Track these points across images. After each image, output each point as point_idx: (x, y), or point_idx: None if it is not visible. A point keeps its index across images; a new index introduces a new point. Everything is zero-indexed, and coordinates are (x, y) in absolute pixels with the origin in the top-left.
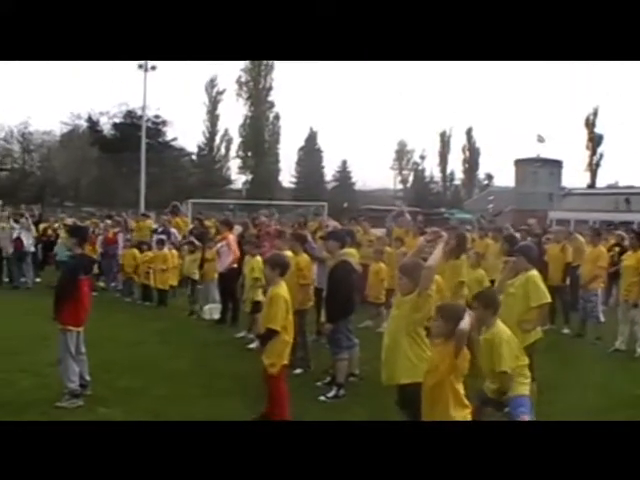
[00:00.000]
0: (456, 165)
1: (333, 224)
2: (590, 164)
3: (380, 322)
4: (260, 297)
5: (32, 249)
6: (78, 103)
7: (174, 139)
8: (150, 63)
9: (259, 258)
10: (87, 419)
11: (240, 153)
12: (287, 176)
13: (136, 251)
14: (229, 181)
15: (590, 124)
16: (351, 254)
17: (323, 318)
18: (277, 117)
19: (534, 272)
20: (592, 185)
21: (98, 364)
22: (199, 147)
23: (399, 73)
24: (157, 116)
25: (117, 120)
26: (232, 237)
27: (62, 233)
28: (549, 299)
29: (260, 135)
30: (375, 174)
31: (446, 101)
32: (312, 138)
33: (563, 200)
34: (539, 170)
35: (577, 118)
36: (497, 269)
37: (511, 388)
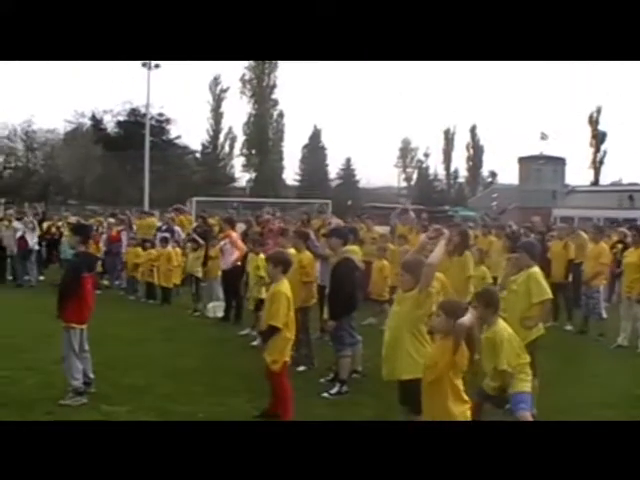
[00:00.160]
0: (460, 163)
1: (336, 221)
2: (594, 161)
3: (383, 319)
4: (264, 295)
5: (36, 247)
6: (82, 101)
7: (178, 137)
8: (154, 61)
9: (263, 256)
10: (91, 416)
11: (244, 151)
12: (291, 174)
13: (139, 249)
14: (233, 179)
15: (593, 122)
16: (354, 251)
17: (326, 315)
18: (281, 115)
19: (535, 269)
20: (596, 182)
21: (102, 362)
22: (203, 145)
23: (403, 71)
24: (161, 114)
25: (121, 118)
26: (235, 234)
27: (66, 231)
28: (550, 295)
29: (264, 133)
30: (379, 172)
31: (450, 99)
32: (316, 136)
33: (567, 197)
34: (543, 168)
35: (580, 116)
36: (500, 266)
37: (512, 385)
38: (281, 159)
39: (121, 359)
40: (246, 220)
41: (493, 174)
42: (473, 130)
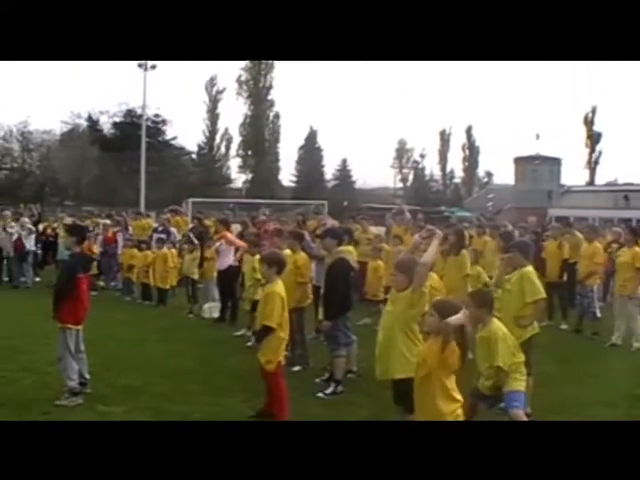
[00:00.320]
0: (456, 163)
1: (331, 222)
2: (589, 162)
3: (378, 319)
4: (259, 296)
5: (33, 249)
6: (78, 102)
7: (174, 138)
8: (150, 62)
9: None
10: (87, 417)
11: (240, 152)
12: (287, 175)
13: (135, 250)
14: (229, 180)
15: (589, 122)
16: (348, 251)
17: (321, 316)
18: (277, 116)
19: (529, 268)
20: (591, 182)
21: (98, 362)
22: (199, 146)
23: (399, 72)
24: (157, 115)
25: (117, 119)
26: (230, 235)
27: (62, 232)
28: (544, 294)
29: (260, 134)
30: (375, 172)
31: (446, 100)
32: (312, 137)
33: (562, 197)
34: (538, 168)
35: (576, 116)
36: (495, 266)
37: (506, 383)
38: (277, 160)
39: (117, 360)
40: (242, 221)
41: (489, 174)
42: (469, 131)
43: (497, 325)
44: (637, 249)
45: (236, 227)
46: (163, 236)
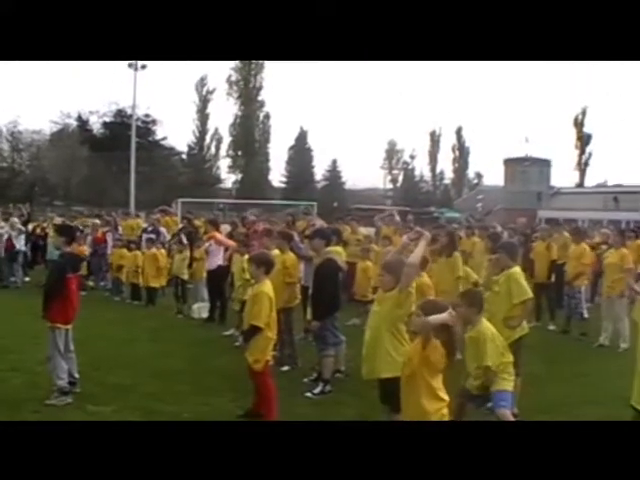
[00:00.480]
0: (446, 164)
1: (319, 223)
2: (579, 163)
3: (367, 320)
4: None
5: (23, 249)
6: (68, 102)
7: (164, 138)
8: (140, 62)
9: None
10: (77, 416)
11: (230, 152)
12: (277, 175)
13: (124, 250)
14: (219, 180)
15: (579, 124)
16: (337, 252)
17: (309, 316)
18: (267, 116)
19: (515, 269)
20: (581, 184)
21: (88, 362)
22: (189, 146)
23: (390, 73)
24: (147, 115)
25: (107, 119)
26: (219, 235)
27: (51, 232)
28: (531, 295)
29: (250, 134)
30: (365, 173)
31: (436, 101)
32: (302, 137)
33: (552, 199)
34: (528, 169)
35: (566, 117)
36: (483, 267)
37: (494, 383)
38: (267, 160)
39: (106, 359)
40: (231, 222)
41: (479, 176)
42: (459, 132)
43: (486, 325)
44: (625, 250)
45: (225, 227)
46: (153, 236)
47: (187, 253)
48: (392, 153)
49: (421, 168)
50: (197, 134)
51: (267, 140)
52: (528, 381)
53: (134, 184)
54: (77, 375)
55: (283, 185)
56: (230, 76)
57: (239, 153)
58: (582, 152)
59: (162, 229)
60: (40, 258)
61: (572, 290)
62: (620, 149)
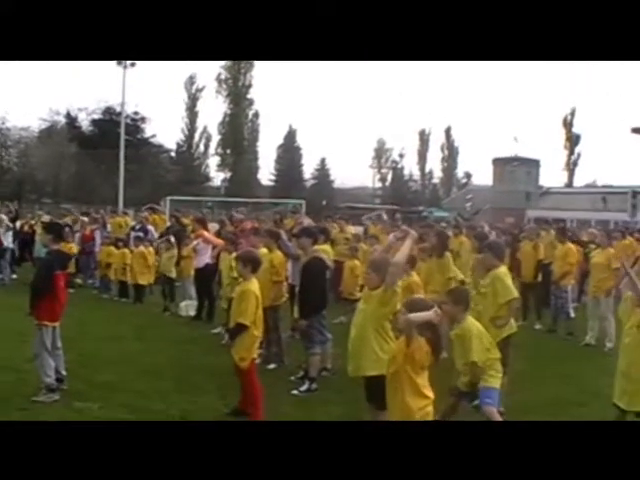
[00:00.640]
0: (435, 164)
1: (307, 221)
2: (568, 163)
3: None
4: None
5: (11, 246)
6: (56, 99)
7: (153, 136)
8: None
9: None
10: (64, 413)
11: (219, 150)
12: (266, 174)
13: (112, 248)
14: (208, 178)
15: (568, 124)
16: (324, 250)
17: (296, 314)
18: (256, 115)
19: (500, 269)
20: (570, 184)
21: (75, 359)
22: (178, 144)
23: (379, 72)
24: (136, 113)
25: (96, 116)
26: (207, 233)
27: (39, 230)
28: (516, 295)
29: (239, 132)
30: (354, 172)
31: (425, 100)
32: (291, 136)
33: (540, 199)
34: (517, 169)
35: (555, 118)
36: (470, 266)
37: (482, 379)
38: (256, 159)
39: (94, 357)
40: (219, 220)
41: (468, 175)
42: (448, 131)
43: (471, 322)
44: (611, 250)
45: (214, 226)
46: (141, 234)
47: (174, 251)
48: (381, 152)
49: (410, 167)
50: (186, 132)
51: (256, 138)
52: (514, 380)
53: (123, 182)
54: (64, 372)
55: (272, 183)
56: (219, 74)
57: (228, 151)
58: (571, 152)
59: (150, 227)
60: (28, 255)
61: (559, 289)
62: (610, 149)
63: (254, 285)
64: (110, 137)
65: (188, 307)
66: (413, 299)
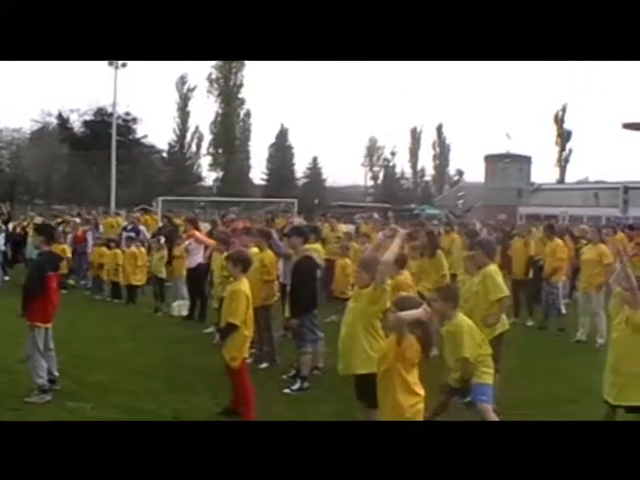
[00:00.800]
0: (427, 161)
1: (298, 221)
2: (559, 160)
3: None
4: None
5: (3, 248)
6: (48, 100)
7: (145, 136)
8: (120, 60)
9: None
10: (56, 413)
11: (211, 150)
12: (258, 173)
13: (104, 249)
14: (200, 178)
15: (559, 120)
16: (315, 249)
17: (287, 313)
18: (248, 114)
19: (491, 267)
20: (562, 180)
21: (68, 360)
22: (170, 144)
23: (370, 70)
24: (127, 113)
25: (87, 117)
26: (199, 233)
27: (31, 231)
28: (507, 293)
29: (231, 132)
30: (346, 170)
31: (417, 97)
32: (283, 135)
33: (532, 195)
34: (508, 166)
35: (546, 114)
36: (461, 263)
37: (474, 376)
38: (248, 158)
39: (86, 357)
40: (211, 220)
41: (460, 172)
42: (440, 129)
43: (462, 318)
44: (603, 246)
45: (206, 226)
46: (132, 234)
47: (164, 252)
48: (373, 150)
49: (402, 165)
50: (178, 132)
51: (248, 138)
52: (505, 376)
53: (115, 182)
54: (57, 373)
55: (264, 183)
56: (210, 74)
57: (220, 151)
58: (562, 149)
59: (142, 227)
60: (20, 257)
61: (549, 286)
62: (601, 145)
63: (244, 285)
64: (102, 138)
65: (180, 307)
66: (402, 297)
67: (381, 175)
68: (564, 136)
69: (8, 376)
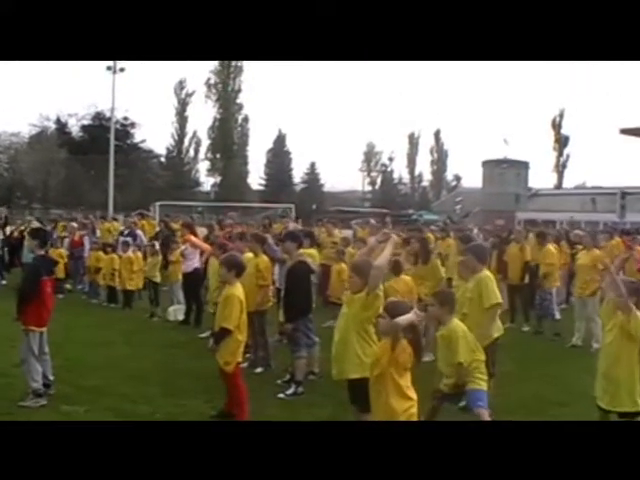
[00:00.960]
0: (424, 166)
1: (292, 226)
2: (557, 165)
3: None
4: None
5: (0, 252)
6: (47, 105)
7: (143, 141)
8: (119, 65)
9: None
10: (50, 417)
11: (209, 155)
12: (256, 178)
13: (101, 253)
14: (198, 183)
15: (557, 125)
16: (310, 254)
17: (281, 318)
18: (246, 119)
19: (484, 273)
20: (559, 186)
21: (63, 364)
22: (168, 149)
23: (368, 75)
24: (126, 118)
25: (86, 122)
26: (194, 238)
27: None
28: (499, 300)
29: (229, 137)
30: (343, 176)
31: (415, 103)
32: (281, 140)
33: (530, 201)
34: (506, 171)
35: (544, 119)
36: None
37: (469, 382)
38: (246, 163)
39: (81, 362)
40: (208, 224)
41: (457, 178)
42: (437, 134)
43: (457, 323)
44: (597, 251)
45: (202, 230)
46: (129, 239)
47: (159, 257)
48: (371, 155)
49: (400, 170)
50: (176, 137)
51: (246, 143)
52: (501, 381)
53: (112, 187)
54: (51, 377)
55: (262, 188)
56: (209, 79)
57: (218, 156)
58: (560, 154)
59: (139, 232)
60: (17, 261)
61: (543, 292)
62: (599, 151)
63: (238, 290)
64: (100, 142)
65: (176, 312)
66: (393, 302)
67: (379, 180)
68: (562, 141)
69: (3, 380)
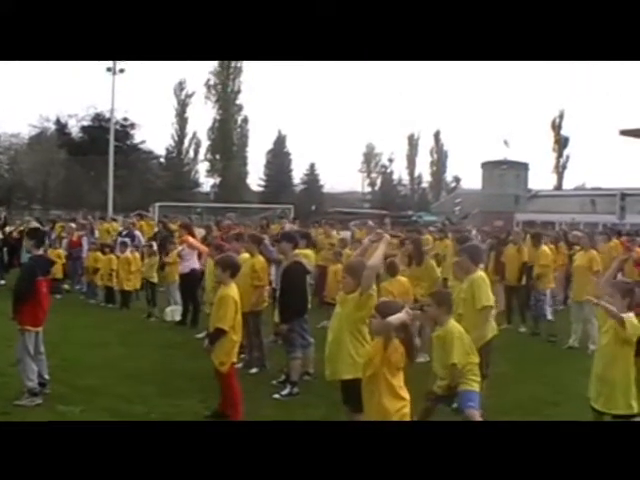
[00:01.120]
0: (424, 168)
1: (289, 226)
2: (557, 166)
3: None
4: None
5: None
6: (46, 106)
7: (142, 142)
8: (119, 66)
9: None
10: (46, 416)
11: (208, 156)
12: (255, 179)
13: (99, 254)
14: (197, 184)
15: (556, 127)
16: (305, 255)
17: (277, 318)
18: (245, 120)
19: (477, 274)
20: (559, 187)
21: (59, 364)
22: (167, 150)
23: (368, 76)
24: (125, 119)
25: (85, 123)
26: (192, 239)
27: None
28: (491, 303)
29: (228, 138)
30: (343, 177)
31: (414, 104)
32: (280, 141)
33: (529, 202)
34: (506, 172)
35: (543, 121)
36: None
37: (461, 383)
38: (245, 164)
39: (77, 361)
40: (206, 225)
41: (457, 179)
42: (437, 135)
43: (453, 324)
44: (594, 252)
45: (200, 231)
46: (127, 240)
47: (156, 258)
48: (370, 156)
49: (399, 171)
50: (175, 138)
51: (245, 144)
52: (497, 382)
53: (112, 188)
54: (47, 377)
55: (261, 189)
56: (208, 80)
57: (217, 157)
58: (560, 155)
59: (137, 233)
60: (16, 261)
61: (538, 293)
62: (598, 152)
63: (233, 290)
64: (99, 143)
65: (173, 312)
66: (385, 302)
67: (378, 181)
68: (561, 143)
69: (0, 379)
